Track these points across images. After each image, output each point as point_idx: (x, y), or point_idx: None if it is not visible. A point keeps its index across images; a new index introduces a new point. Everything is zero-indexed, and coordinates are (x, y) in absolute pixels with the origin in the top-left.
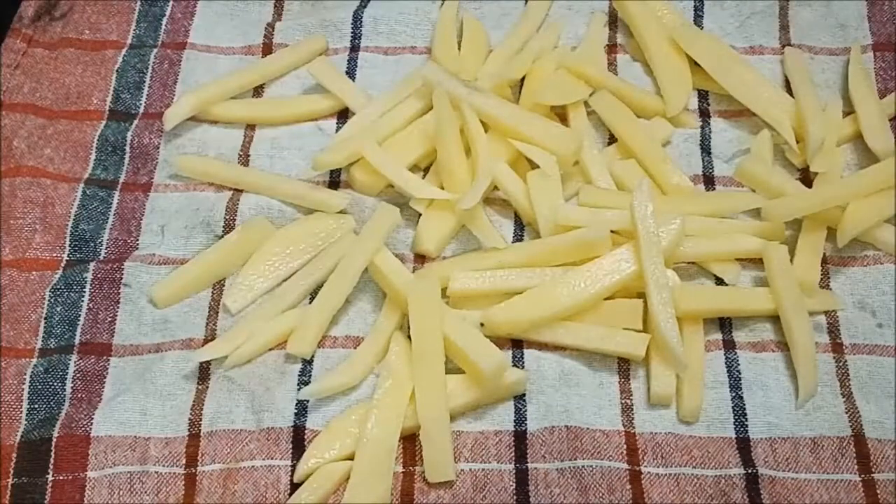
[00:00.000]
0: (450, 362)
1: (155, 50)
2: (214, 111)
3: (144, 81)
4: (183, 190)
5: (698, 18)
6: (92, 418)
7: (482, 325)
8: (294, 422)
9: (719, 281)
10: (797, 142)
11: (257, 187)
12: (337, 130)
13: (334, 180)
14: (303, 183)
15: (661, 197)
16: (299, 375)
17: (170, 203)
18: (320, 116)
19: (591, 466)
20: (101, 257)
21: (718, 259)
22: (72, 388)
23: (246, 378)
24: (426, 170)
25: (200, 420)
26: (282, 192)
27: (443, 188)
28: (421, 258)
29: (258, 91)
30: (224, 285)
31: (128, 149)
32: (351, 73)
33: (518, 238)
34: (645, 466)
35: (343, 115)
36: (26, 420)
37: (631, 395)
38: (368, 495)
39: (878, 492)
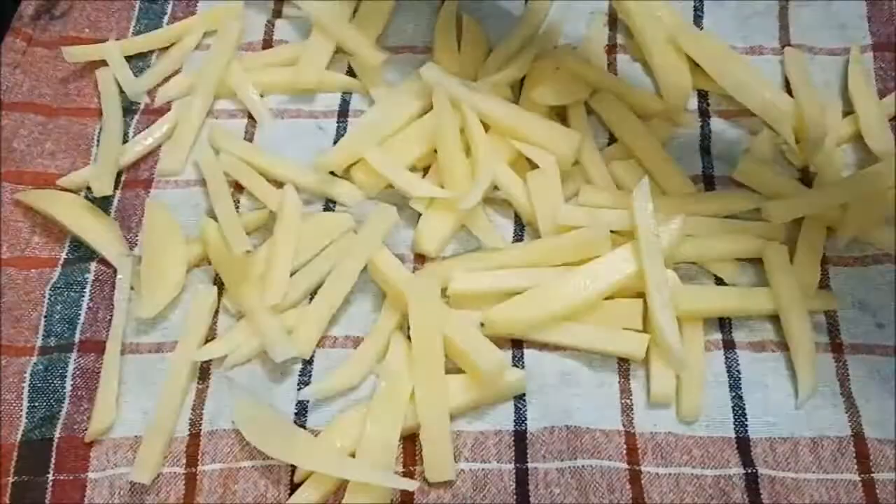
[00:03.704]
0: (450, 362)
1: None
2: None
3: None
4: (183, 186)
5: (698, 18)
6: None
7: (482, 325)
8: (294, 422)
9: (719, 281)
10: (797, 142)
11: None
12: (337, 130)
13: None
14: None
15: (661, 197)
16: (299, 375)
17: (170, 199)
18: (347, 90)
19: (591, 466)
20: (101, 256)
21: (718, 259)
22: (72, 385)
23: (246, 378)
24: (426, 170)
25: (200, 420)
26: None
27: (443, 188)
28: (421, 258)
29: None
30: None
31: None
32: (351, 73)
33: (518, 238)
34: (645, 466)
35: (343, 114)
36: (26, 419)
37: (631, 395)
38: (368, 495)
39: (878, 492)
